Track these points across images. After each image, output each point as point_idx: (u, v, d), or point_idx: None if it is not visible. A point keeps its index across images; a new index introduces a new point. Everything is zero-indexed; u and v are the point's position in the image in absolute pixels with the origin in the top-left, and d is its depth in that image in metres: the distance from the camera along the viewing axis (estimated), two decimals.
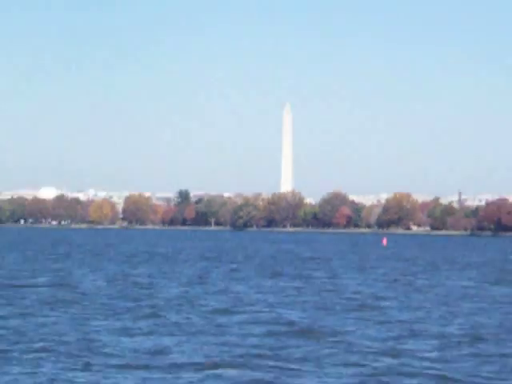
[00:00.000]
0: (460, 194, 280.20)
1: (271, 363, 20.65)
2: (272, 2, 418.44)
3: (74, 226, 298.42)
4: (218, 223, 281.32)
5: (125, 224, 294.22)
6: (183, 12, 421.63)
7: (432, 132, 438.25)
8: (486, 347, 23.42)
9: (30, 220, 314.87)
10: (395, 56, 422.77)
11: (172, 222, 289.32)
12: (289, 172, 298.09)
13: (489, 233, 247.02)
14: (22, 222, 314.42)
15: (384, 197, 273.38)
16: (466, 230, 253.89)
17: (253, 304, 34.53)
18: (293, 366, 20.25)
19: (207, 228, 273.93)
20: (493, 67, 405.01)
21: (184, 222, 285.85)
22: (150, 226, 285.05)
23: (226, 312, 31.28)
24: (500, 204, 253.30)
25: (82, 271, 53.90)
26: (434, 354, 22.35)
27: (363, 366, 20.26)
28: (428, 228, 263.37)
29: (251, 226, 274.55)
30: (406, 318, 30.09)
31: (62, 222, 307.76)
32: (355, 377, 19.09)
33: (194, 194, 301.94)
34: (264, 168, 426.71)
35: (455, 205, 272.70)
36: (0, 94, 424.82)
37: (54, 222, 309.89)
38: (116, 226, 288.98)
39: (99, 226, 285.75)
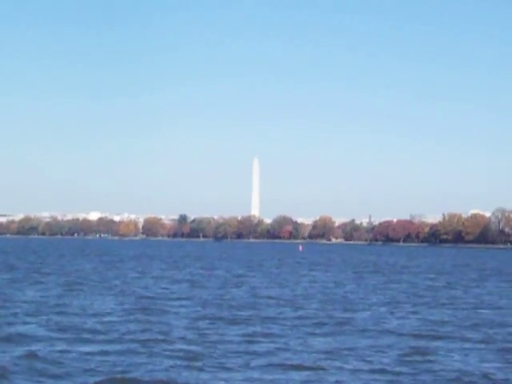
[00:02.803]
0: (370, 216, 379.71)
1: None
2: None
3: (109, 238, 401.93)
4: (204, 236, 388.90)
5: (143, 236, 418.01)
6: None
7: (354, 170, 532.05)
8: None
9: (81, 233, 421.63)
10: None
11: (174, 235, 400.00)
12: (256, 201, 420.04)
13: (380, 243, 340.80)
14: (76, 235, 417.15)
15: (315, 218, 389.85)
16: (366, 241, 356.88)
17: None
18: None
19: (197, 239, 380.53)
20: None
21: (182, 235, 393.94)
22: (159, 238, 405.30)
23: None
24: (387, 224, 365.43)
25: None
26: None
27: None
28: (342, 240, 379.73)
29: (226, 237, 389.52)
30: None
31: (102, 235, 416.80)
32: None
33: (190, 216, 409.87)
34: (239, 198, 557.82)
35: (365, 225, 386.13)
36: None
37: (97, 236, 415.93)
38: (137, 238, 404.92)
39: (126, 238, 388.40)
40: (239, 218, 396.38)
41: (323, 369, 20.87)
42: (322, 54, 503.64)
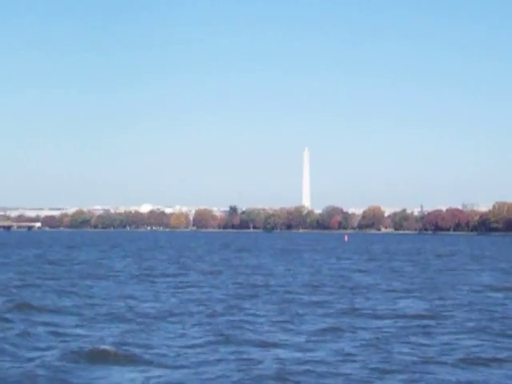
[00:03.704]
0: (421, 205, 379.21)
1: None
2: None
3: (160, 230, 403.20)
4: (254, 227, 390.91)
5: (194, 228, 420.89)
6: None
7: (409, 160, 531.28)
8: None
9: (133, 226, 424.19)
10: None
11: (225, 227, 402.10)
12: (307, 192, 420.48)
13: (430, 232, 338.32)
14: (127, 228, 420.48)
15: (367, 208, 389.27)
16: (415, 230, 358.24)
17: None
18: None
19: (247, 230, 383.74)
20: None
21: (232, 227, 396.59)
22: (210, 230, 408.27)
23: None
24: (437, 213, 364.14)
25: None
26: None
27: None
28: (392, 229, 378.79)
29: (276, 228, 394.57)
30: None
31: (153, 228, 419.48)
32: None
33: (242, 207, 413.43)
34: (290, 189, 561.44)
35: (416, 214, 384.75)
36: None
37: (148, 228, 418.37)
38: (188, 230, 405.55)
39: (177, 230, 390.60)
40: (289, 208, 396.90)
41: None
42: (376, 43, 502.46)
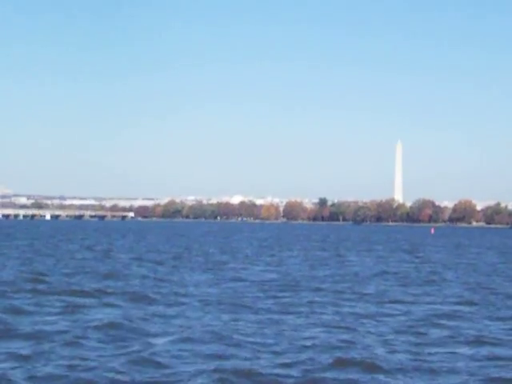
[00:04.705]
0: None
1: None
2: None
3: (250, 221, 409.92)
4: (344, 219, 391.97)
5: (284, 219, 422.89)
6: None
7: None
8: None
9: (224, 217, 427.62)
10: None
11: (314, 219, 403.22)
12: (399, 185, 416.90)
13: None
14: (218, 218, 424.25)
15: (455, 202, 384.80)
16: (506, 224, 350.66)
17: None
18: None
19: (336, 223, 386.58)
20: None
21: (322, 219, 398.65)
22: (299, 221, 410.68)
23: None
24: None
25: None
26: None
27: None
28: (483, 223, 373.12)
29: (366, 221, 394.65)
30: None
31: (244, 219, 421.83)
32: None
33: (333, 199, 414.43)
34: (381, 182, 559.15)
35: (510, 208, 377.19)
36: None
37: (239, 219, 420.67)
38: (278, 221, 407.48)
39: (267, 221, 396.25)
40: (379, 201, 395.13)
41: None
42: None
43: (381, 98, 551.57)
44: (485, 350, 19.22)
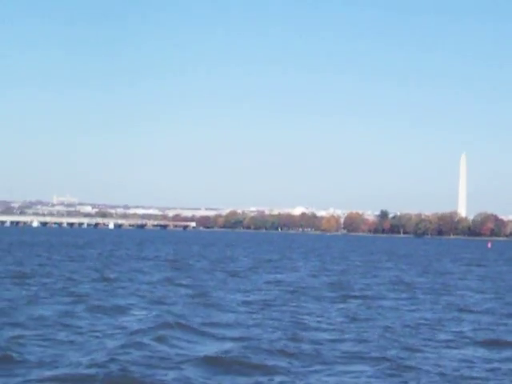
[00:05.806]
0: None
1: None
2: None
3: (310, 232, 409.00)
4: (404, 232, 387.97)
5: (344, 231, 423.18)
6: None
7: None
8: None
9: (285, 228, 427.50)
10: None
11: (375, 231, 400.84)
12: (463, 198, 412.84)
13: None
14: (279, 229, 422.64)
15: None
16: None
17: None
18: None
19: (396, 235, 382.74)
20: None
21: (383, 231, 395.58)
22: (360, 233, 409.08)
23: None
24: None
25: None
26: None
27: None
28: None
29: (427, 234, 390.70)
30: None
31: (304, 230, 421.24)
32: None
33: (395, 211, 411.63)
34: (445, 194, 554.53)
35: None
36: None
37: (300, 230, 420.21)
38: (338, 233, 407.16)
39: (327, 233, 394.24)
40: (441, 214, 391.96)
41: None
42: None
43: (445, 110, 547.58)
44: None
